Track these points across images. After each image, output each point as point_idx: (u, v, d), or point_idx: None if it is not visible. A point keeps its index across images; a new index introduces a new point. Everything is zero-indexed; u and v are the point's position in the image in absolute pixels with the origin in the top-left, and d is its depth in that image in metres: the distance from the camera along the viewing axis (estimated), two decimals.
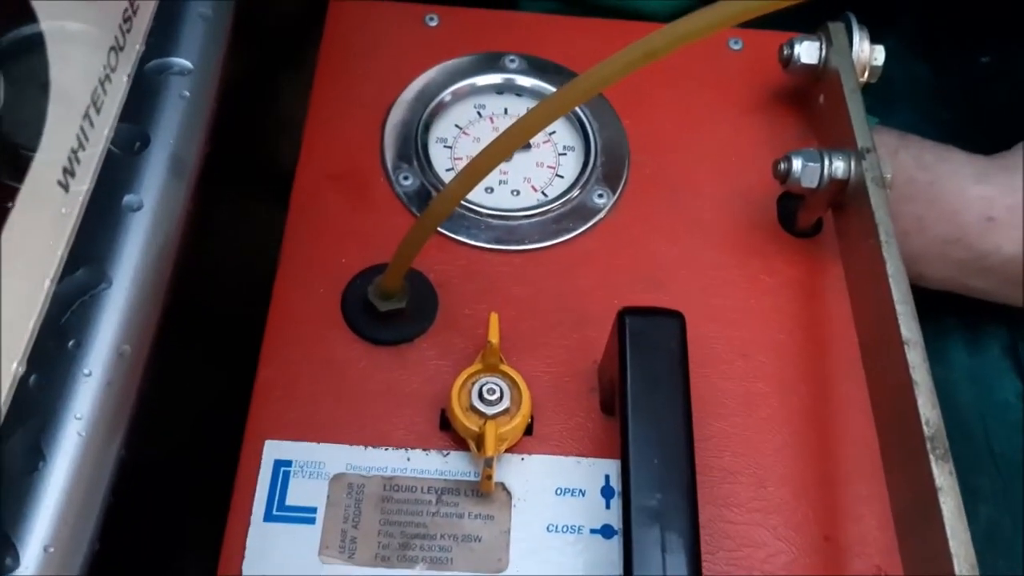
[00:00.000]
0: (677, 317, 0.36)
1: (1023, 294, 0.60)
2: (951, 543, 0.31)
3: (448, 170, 0.46)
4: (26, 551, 0.29)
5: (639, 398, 0.35)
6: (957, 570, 0.30)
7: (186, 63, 0.37)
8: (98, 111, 0.31)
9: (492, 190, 0.45)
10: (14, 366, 0.27)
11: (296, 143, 0.46)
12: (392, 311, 0.40)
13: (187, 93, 0.36)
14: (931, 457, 0.33)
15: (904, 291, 0.37)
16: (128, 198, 0.34)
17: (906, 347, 0.35)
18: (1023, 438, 0.66)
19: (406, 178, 0.45)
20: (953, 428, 0.67)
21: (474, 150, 0.46)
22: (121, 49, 0.34)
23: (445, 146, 0.46)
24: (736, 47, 0.50)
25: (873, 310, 0.38)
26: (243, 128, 0.52)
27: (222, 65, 0.38)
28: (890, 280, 0.37)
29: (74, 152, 0.29)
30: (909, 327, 0.36)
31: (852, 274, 0.42)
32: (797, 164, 0.41)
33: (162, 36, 0.37)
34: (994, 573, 0.62)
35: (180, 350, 0.38)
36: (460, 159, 0.46)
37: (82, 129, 0.30)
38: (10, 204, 0.26)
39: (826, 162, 0.41)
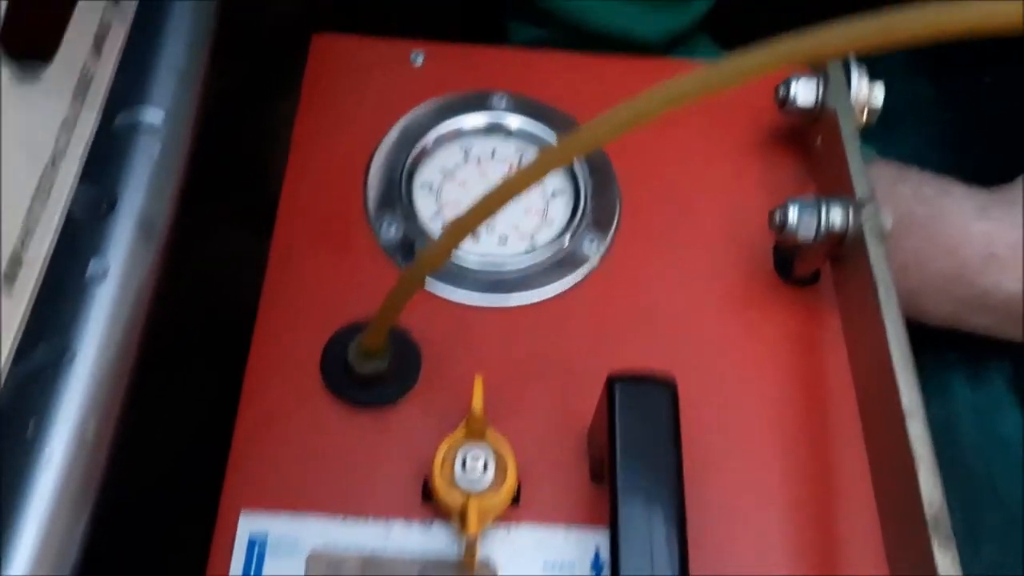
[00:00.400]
0: (668, 386, 0.35)
1: (1019, 333, 0.59)
2: None
3: (434, 216, 0.44)
4: None
5: (629, 470, 0.33)
6: None
7: (157, 117, 0.35)
8: (58, 168, 0.29)
9: (479, 236, 0.44)
10: None
11: (280, 167, 0.45)
12: (373, 372, 0.38)
13: (158, 149, 0.35)
14: (934, 542, 0.31)
15: (905, 356, 0.35)
16: (92, 264, 0.32)
17: (907, 419, 0.34)
18: None
19: (390, 227, 0.43)
20: (955, 465, 0.66)
21: (461, 196, 0.45)
22: (83, 101, 0.32)
23: (430, 191, 0.45)
24: None
25: (872, 372, 0.37)
26: (228, 152, 0.50)
27: (196, 116, 0.36)
28: (890, 344, 0.35)
29: (33, 213, 0.27)
30: (911, 396, 0.34)
31: (850, 330, 0.40)
32: (793, 215, 0.39)
33: (130, 88, 0.35)
34: None
35: (155, 403, 0.37)
36: (447, 205, 0.44)
37: (42, 186, 0.28)
38: None
39: (823, 213, 0.39)
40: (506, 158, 0.46)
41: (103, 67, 0.32)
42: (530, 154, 0.46)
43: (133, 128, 0.35)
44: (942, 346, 0.62)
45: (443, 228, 0.43)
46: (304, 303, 0.41)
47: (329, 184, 0.44)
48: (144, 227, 0.34)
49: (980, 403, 0.66)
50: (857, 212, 0.39)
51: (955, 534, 0.64)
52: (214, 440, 0.39)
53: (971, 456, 0.65)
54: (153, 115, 0.35)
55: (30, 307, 0.29)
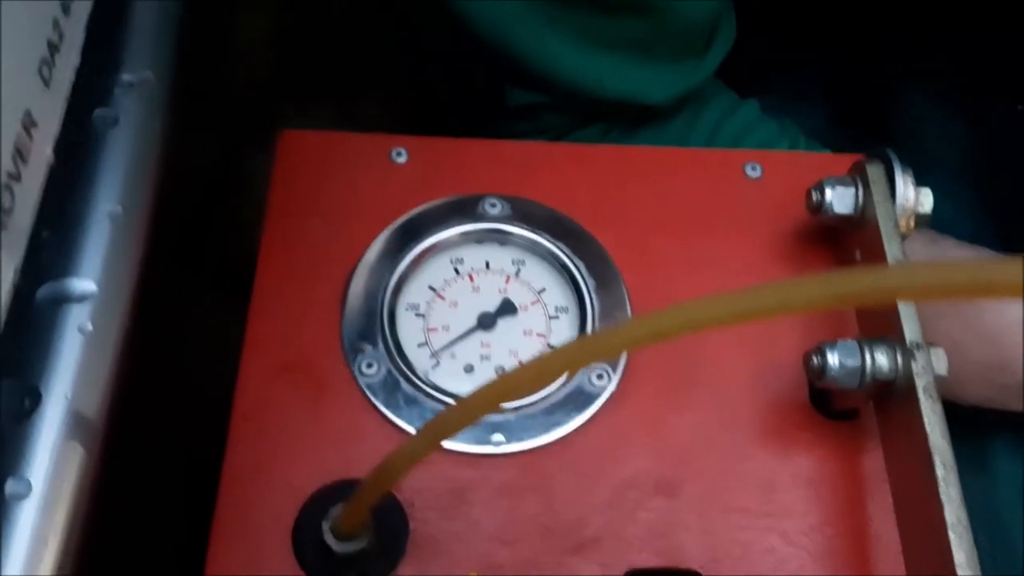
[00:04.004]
0: None
1: None
2: None
3: (421, 345, 0.39)
4: None
5: None
6: None
7: (88, 285, 0.30)
8: None
9: (472, 369, 0.39)
10: None
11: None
12: (354, 551, 0.34)
13: (90, 326, 0.30)
14: None
15: (967, 544, 0.30)
16: (11, 485, 0.27)
17: None
18: None
19: (370, 365, 0.38)
20: (998, 542, 0.62)
21: (451, 317, 0.40)
22: None
23: (417, 314, 0.40)
24: (754, 174, 0.43)
25: (925, 548, 0.32)
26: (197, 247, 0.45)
27: (136, 280, 0.31)
28: (949, 530, 0.30)
29: None
30: None
31: (898, 489, 0.35)
32: (833, 362, 0.34)
33: (55, 252, 0.30)
34: None
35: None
36: (435, 330, 0.39)
37: None
38: None
39: (867, 359, 0.34)
40: (502, 270, 0.41)
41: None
42: (528, 265, 0.41)
43: (58, 302, 0.29)
44: (985, 419, 0.58)
45: (440, 364, 0.38)
46: (274, 458, 0.36)
47: (301, 311, 0.39)
48: (75, 426, 0.29)
49: (1023, 478, 0.62)
50: (907, 359, 0.34)
51: None
52: None
53: (1013, 534, 0.61)
54: (84, 286, 0.30)
55: None
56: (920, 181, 0.62)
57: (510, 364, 0.39)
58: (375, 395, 0.37)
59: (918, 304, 0.49)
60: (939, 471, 0.31)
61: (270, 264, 0.40)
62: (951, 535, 0.31)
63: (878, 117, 0.72)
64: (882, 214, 0.37)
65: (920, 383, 0.33)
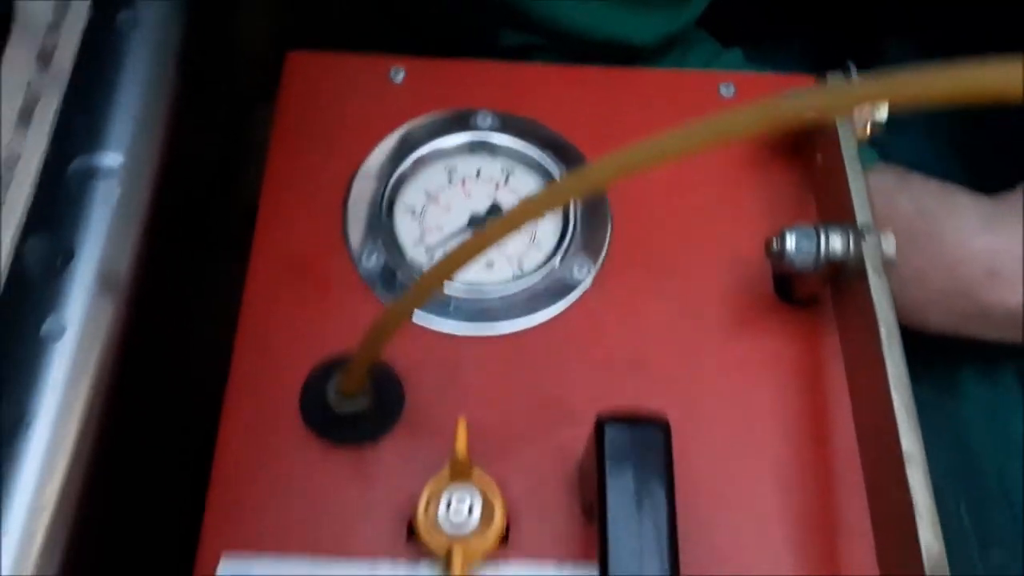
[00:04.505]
0: (661, 427, 0.33)
1: None
2: None
3: (417, 243, 0.42)
4: None
5: (619, 514, 0.32)
6: None
7: (114, 160, 0.34)
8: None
9: None
10: None
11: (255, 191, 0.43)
12: (354, 411, 0.37)
13: (117, 194, 0.33)
14: None
15: (906, 398, 0.34)
16: (48, 323, 0.31)
17: (907, 464, 0.32)
18: None
19: (369, 258, 0.41)
20: (965, 466, 0.65)
21: (445, 219, 0.43)
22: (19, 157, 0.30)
23: (413, 216, 0.43)
24: (727, 93, 0.46)
25: (872, 411, 0.35)
26: (200, 182, 0.48)
27: (158, 158, 0.35)
28: (891, 386, 0.34)
29: None
30: (910, 440, 0.33)
31: (850, 362, 0.39)
32: (791, 244, 0.37)
33: (86, 131, 0.34)
34: None
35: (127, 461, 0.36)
36: (431, 230, 0.43)
37: None
38: None
39: (822, 241, 0.37)
40: (492, 178, 0.44)
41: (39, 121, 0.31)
42: (516, 173, 0.44)
43: (89, 174, 0.33)
44: (954, 346, 0.61)
45: (433, 259, 0.41)
46: (282, 338, 0.40)
47: (306, 211, 0.42)
48: (105, 280, 0.32)
49: (992, 402, 0.65)
50: (858, 240, 0.37)
51: (966, 536, 0.63)
52: (189, 499, 0.38)
53: (982, 456, 0.64)
54: (111, 159, 0.33)
55: None
56: (900, 133, 0.66)
57: (498, 259, 0.42)
58: (373, 284, 0.41)
59: None
60: (883, 334, 0.35)
61: (277, 171, 0.43)
62: (893, 395, 0.34)
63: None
64: (840, 122, 0.41)
65: (869, 261, 0.36)
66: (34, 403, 0.30)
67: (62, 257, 0.32)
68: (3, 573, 0.27)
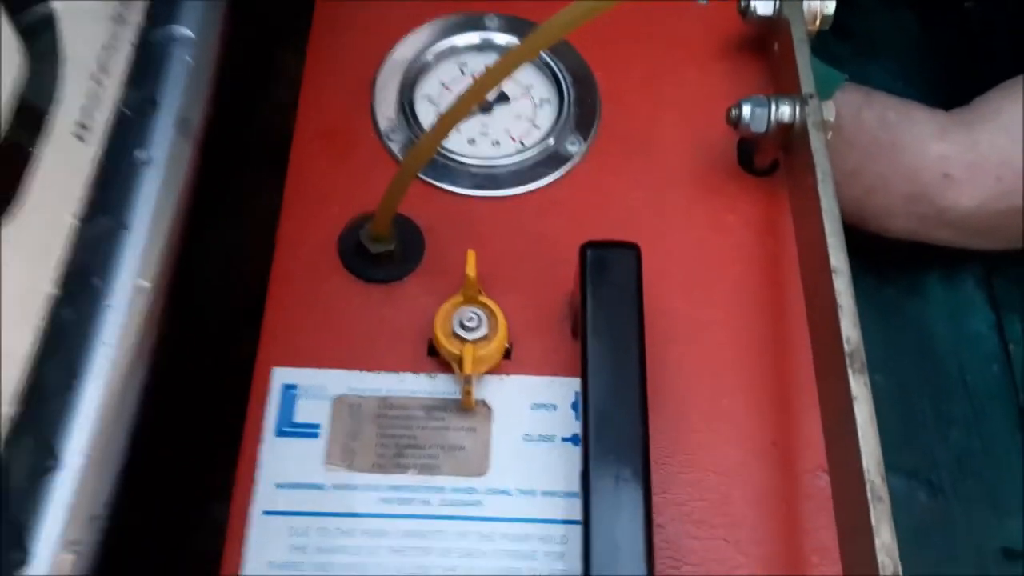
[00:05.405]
0: (633, 248, 0.40)
1: (983, 243, 0.64)
2: (861, 445, 0.35)
3: (433, 124, 0.50)
4: (66, 457, 0.34)
5: (597, 320, 0.39)
6: (865, 466, 0.35)
7: (188, 32, 0.41)
8: (106, 74, 0.35)
9: (474, 141, 0.50)
10: (49, 288, 0.32)
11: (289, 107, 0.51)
12: (383, 252, 0.45)
13: (189, 59, 0.41)
14: (849, 370, 0.37)
15: (835, 225, 0.41)
16: (138, 153, 0.38)
17: (834, 275, 0.39)
18: (996, 366, 0.70)
19: (395, 133, 0.49)
20: (927, 359, 0.72)
21: None
22: (124, 21, 0.38)
23: (431, 103, 0.51)
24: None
25: (810, 241, 0.42)
26: (243, 94, 0.56)
27: (221, 33, 0.42)
28: (823, 214, 0.41)
29: (86, 109, 0.34)
30: (837, 257, 0.40)
31: (796, 209, 0.46)
32: (747, 110, 0.45)
33: (165, 9, 0.41)
34: (966, 492, 0.66)
35: (191, 291, 0.43)
36: None
37: (92, 90, 0.34)
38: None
39: (773, 108, 0.44)
40: None
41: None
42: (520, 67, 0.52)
43: (168, 42, 0.41)
44: (919, 253, 0.68)
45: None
46: (322, 199, 0.47)
47: (340, 100, 0.50)
48: (182, 125, 0.40)
49: (953, 303, 0.72)
50: (803, 106, 0.44)
51: (926, 422, 0.70)
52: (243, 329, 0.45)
53: (943, 351, 0.70)
54: (185, 31, 0.41)
55: (95, 171, 0.35)
56: (872, 68, 0.73)
57: (504, 138, 0.50)
58: (399, 156, 0.48)
59: (852, 150, 0.59)
60: (819, 175, 0.42)
61: (316, 61, 0.51)
62: (825, 222, 0.41)
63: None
64: (793, 13, 0.48)
65: (811, 119, 0.43)
66: (126, 212, 0.37)
67: (150, 104, 0.39)
68: (116, 334, 0.35)
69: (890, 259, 0.71)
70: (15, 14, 0.32)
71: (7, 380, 0.31)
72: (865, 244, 0.66)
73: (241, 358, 0.43)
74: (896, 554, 0.34)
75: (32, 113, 0.32)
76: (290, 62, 0.53)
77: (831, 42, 0.76)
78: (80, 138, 0.34)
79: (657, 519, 0.38)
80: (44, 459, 0.33)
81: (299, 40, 0.53)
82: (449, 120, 0.39)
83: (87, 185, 0.36)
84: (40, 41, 0.33)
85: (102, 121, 0.36)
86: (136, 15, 0.40)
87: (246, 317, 0.45)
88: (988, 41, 0.79)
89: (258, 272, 0.45)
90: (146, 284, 0.37)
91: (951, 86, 0.77)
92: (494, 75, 0.38)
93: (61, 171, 0.34)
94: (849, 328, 0.38)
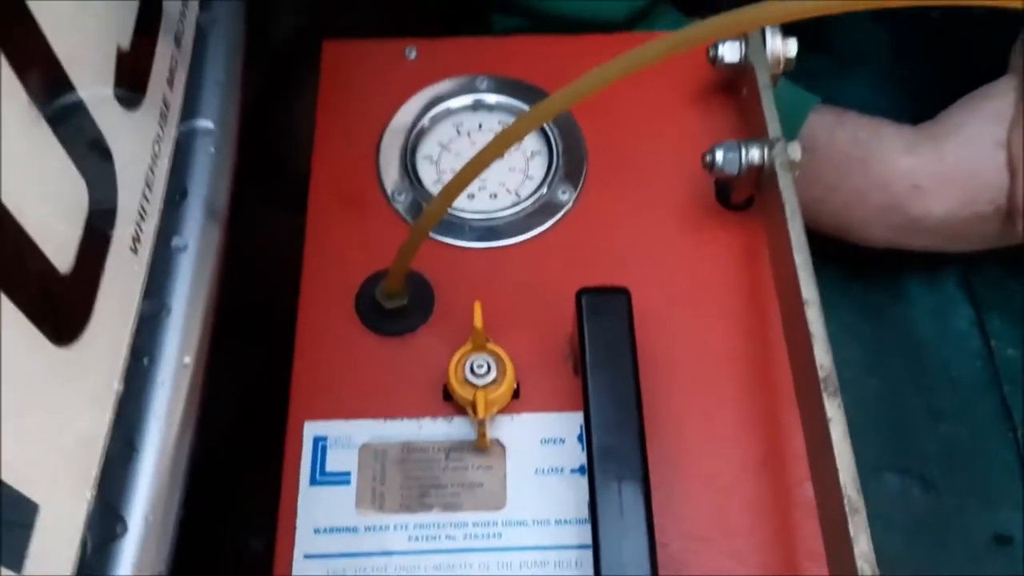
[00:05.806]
0: (623, 293, 0.45)
1: (958, 246, 0.68)
2: (838, 462, 0.39)
3: (435, 183, 0.54)
4: (131, 522, 0.38)
5: (595, 359, 0.43)
6: (842, 481, 0.39)
7: (210, 125, 0.46)
8: (152, 186, 0.40)
9: (473, 196, 0.54)
10: (116, 384, 0.37)
11: (304, 151, 0.55)
12: (396, 308, 0.49)
13: (213, 150, 0.45)
14: (824, 395, 0.41)
15: (805, 257, 0.45)
16: (176, 240, 0.43)
17: (806, 306, 0.43)
18: (979, 361, 0.74)
19: (401, 195, 0.53)
20: (914, 358, 0.75)
21: (456, 163, 0.55)
22: (166, 119, 0.42)
23: (431, 163, 0.55)
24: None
25: (784, 274, 0.47)
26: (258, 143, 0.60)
27: (238, 120, 0.47)
28: (793, 250, 0.45)
29: (138, 224, 0.38)
30: (808, 289, 0.44)
31: (771, 243, 0.50)
32: (719, 155, 0.49)
33: (187, 104, 0.46)
34: (957, 484, 0.70)
35: (229, 353, 0.48)
36: (445, 172, 0.55)
37: (142, 204, 0.39)
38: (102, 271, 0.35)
39: (743, 152, 0.49)
40: (491, 129, 0.56)
41: (175, 95, 0.43)
42: (510, 123, 0.56)
43: (193, 135, 0.45)
44: (899, 259, 0.72)
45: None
46: (337, 260, 0.52)
47: (349, 165, 0.54)
48: (210, 210, 0.44)
49: (935, 303, 0.76)
50: (771, 149, 0.48)
51: (916, 418, 0.74)
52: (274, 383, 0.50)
53: (928, 350, 0.74)
54: (206, 123, 0.45)
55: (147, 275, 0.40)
56: (848, 80, 0.76)
57: (500, 191, 0.54)
58: (406, 215, 0.53)
59: (829, 167, 0.63)
60: (788, 212, 0.46)
61: (325, 132, 0.55)
62: (796, 256, 0.45)
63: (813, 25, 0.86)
64: (757, 59, 0.52)
65: (778, 161, 0.48)
66: (168, 296, 0.42)
67: (181, 195, 0.43)
68: (164, 409, 0.39)
69: (874, 266, 0.75)
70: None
71: (89, 468, 0.35)
72: (850, 253, 0.70)
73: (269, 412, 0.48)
74: (873, 559, 0.38)
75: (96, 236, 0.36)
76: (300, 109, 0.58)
77: (809, 58, 0.80)
78: (134, 251, 0.38)
79: (661, 538, 0.42)
80: (112, 525, 0.37)
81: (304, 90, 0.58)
82: (457, 186, 0.43)
83: (143, 287, 0.40)
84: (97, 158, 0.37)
85: (150, 232, 0.40)
86: (174, 115, 0.45)
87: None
88: (953, 51, 0.83)
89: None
90: (189, 360, 0.41)
91: (922, 95, 0.81)
92: (498, 146, 0.42)
93: (121, 286, 0.38)
94: (822, 355, 0.42)
